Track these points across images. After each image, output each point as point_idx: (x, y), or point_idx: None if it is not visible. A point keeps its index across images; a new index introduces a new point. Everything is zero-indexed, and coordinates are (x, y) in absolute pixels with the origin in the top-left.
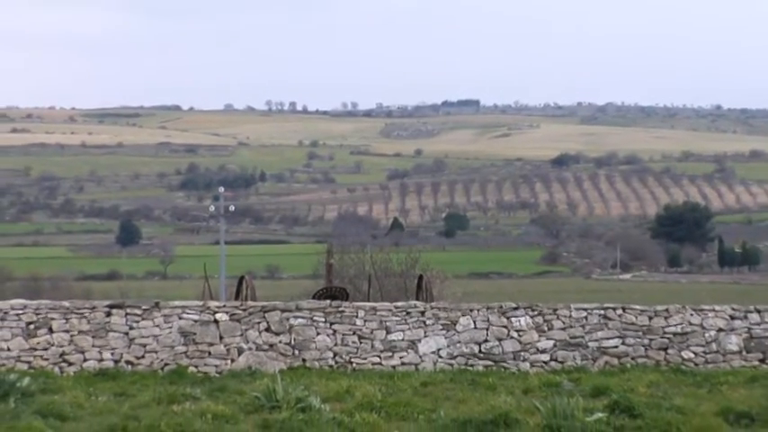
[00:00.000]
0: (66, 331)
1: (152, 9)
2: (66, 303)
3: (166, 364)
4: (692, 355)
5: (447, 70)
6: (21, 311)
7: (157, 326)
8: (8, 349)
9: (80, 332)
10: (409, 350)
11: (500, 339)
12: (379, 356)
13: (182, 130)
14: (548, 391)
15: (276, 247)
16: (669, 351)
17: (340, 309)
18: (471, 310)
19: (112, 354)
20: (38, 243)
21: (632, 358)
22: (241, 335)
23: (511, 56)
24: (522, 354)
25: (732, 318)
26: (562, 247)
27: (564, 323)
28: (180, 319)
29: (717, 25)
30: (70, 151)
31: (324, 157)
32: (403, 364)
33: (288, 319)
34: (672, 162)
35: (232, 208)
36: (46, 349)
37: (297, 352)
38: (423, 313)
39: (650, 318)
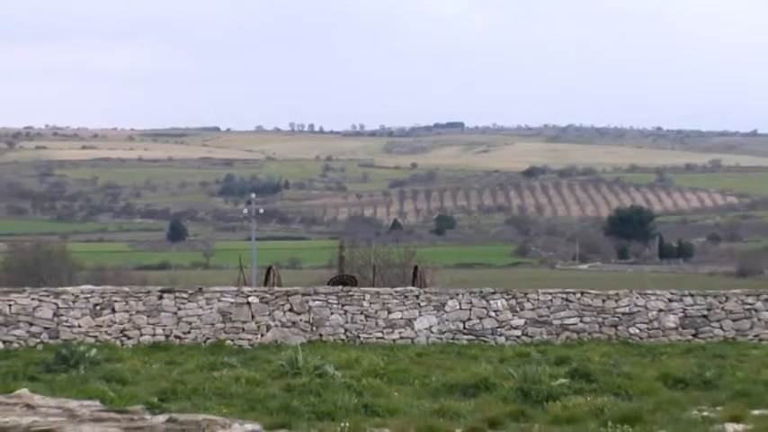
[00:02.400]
0: (126, 311)
1: (197, 47)
2: (125, 288)
3: (208, 339)
4: (638, 331)
5: (437, 98)
6: (89, 295)
7: (201, 307)
8: (79, 326)
9: (137, 312)
10: (406, 327)
11: (481, 318)
12: (381, 332)
13: (220, 147)
14: (520, 361)
15: (297, 242)
16: (619, 328)
17: (350, 293)
18: (457, 294)
19: (164, 330)
20: (103, 239)
21: (589, 333)
22: (269, 314)
23: (489, 86)
24: (499, 330)
25: (670, 300)
26: (531, 242)
27: (533, 305)
28: (219, 301)
29: (656, 60)
30: (129, 164)
31: (336, 168)
32: (401, 338)
33: (307, 302)
34: (621, 173)
35: (261, 210)
36: (109, 326)
37: (315, 328)
38: (417, 297)
39: (603, 300)
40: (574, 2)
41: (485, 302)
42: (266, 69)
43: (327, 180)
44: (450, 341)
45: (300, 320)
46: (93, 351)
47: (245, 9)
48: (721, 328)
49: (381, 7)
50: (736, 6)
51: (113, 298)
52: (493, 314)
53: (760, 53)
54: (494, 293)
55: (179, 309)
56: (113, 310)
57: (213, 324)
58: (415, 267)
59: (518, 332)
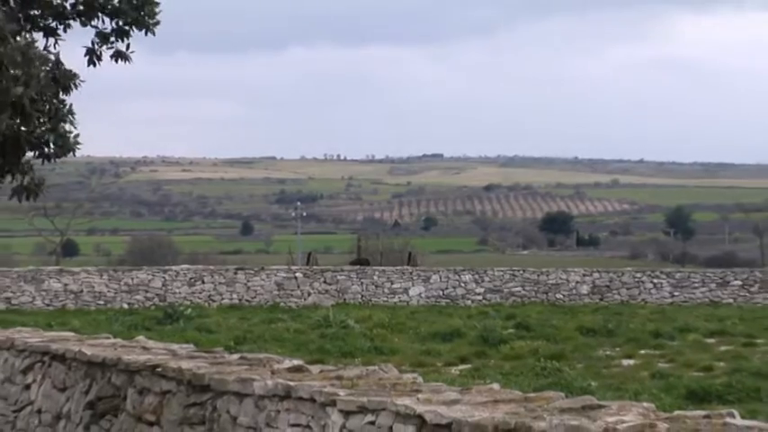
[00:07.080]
0: (212, 283)
1: (260, 100)
2: (211, 267)
3: (268, 302)
4: (562, 297)
5: (425, 136)
6: (186, 271)
7: (263, 280)
8: (179, 293)
9: (219, 283)
10: (404, 293)
11: (454, 287)
12: (386, 297)
13: (276, 170)
14: (481, 317)
15: (329, 236)
16: (549, 294)
17: (365, 270)
18: (438, 271)
19: (237, 295)
20: (196, 233)
21: (528, 298)
22: (310, 285)
23: (461, 127)
24: (467, 295)
25: (584, 275)
26: (489, 235)
27: (490, 278)
28: (275, 276)
29: (573, 109)
30: (214, 182)
31: (355, 185)
32: (400, 301)
33: (336, 276)
34: (550, 188)
35: (304, 214)
36: (200, 293)
37: (341, 294)
38: (411, 273)
39: (538, 275)
40: (515, 69)
41: (457, 277)
42: (307, 114)
43: (349, 193)
44: (434, 303)
45: (331, 289)
46: (189, 310)
47: (292, 75)
48: (619, 294)
49: (385, 73)
50: (629, 74)
51: (203, 273)
52: (462, 285)
53: (644, 106)
54: (463, 270)
55: (248, 281)
56: (203, 282)
57: (271, 292)
58: (410, 253)
59: (480, 297)
